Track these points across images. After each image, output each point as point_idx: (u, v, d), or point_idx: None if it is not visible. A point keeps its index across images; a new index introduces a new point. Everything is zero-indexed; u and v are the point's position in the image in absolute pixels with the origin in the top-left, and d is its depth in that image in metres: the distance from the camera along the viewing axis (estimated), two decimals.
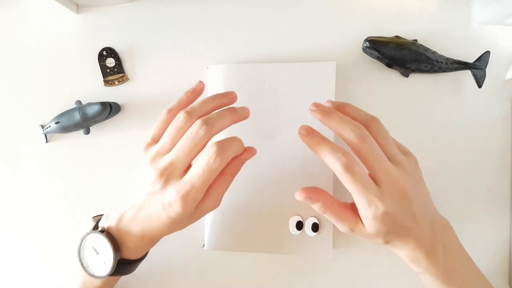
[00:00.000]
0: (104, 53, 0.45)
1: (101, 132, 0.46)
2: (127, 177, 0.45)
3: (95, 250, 0.35)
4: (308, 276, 0.45)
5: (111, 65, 0.45)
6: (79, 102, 0.45)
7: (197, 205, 0.32)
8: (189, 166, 0.32)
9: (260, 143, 0.43)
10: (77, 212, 0.46)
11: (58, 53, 0.46)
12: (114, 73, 0.45)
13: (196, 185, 0.30)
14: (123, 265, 0.35)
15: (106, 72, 0.45)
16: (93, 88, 0.46)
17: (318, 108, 0.33)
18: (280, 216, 0.43)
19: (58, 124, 0.44)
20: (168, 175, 0.31)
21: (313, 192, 0.32)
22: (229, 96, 0.35)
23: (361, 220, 0.31)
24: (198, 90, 0.36)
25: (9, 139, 0.47)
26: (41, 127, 0.46)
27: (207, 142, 0.32)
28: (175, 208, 0.31)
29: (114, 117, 0.45)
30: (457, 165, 0.45)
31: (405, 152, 0.35)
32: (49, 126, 0.44)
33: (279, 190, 0.43)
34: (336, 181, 0.44)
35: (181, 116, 0.32)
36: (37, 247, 0.46)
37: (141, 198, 0.34)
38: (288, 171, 0.43)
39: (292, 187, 0.43)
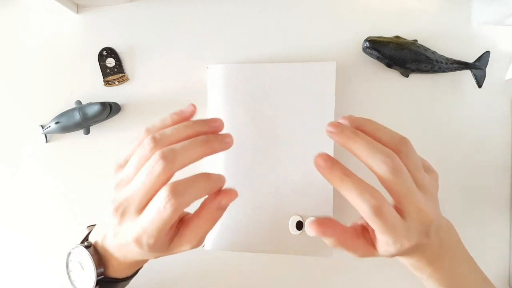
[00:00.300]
0: (104, 53, 0.45)
1: (101, 132, 0.46)
2: None
3: (80, 264, 0.33)
4: (308, 276, 0.45)
5: (111, 65, 0.45)
6: (79, 102, 0.45)
7: (170, 245, 0.29)
8: (149, 201, 0.28)
9: (260, 143, 0.43)
10: (77, 212, 0.46)
11: (58, 53, 0.46)
12: (114, 73, 0.45)
13: (148, 231, 0.27)
14: (109, 284, 0.33)
15: (106, 72, 0.45)
16: (93, 88, 0.46)
17: (337, 129, 0.28)
18: (280, 216, 0.43)
19: (58, 124, 0.44)
20: (123, 211, 0.29)
21: (326, 227, 0.29)
22: (211, 125, 0.29)
23: (372, 245, 0.30)
24: (186, 114, 0.31)
25: (9, 139, 0.47)
26: (41, 127, 0.46)
27: (167, 178, 0.27)
28: (133, 248, 0.28)
29: (114, 117, 0.45)
30: (457, 165, 0.45)
31: (428, 169, 0.33)
32: (49, 126, 0.44)
33: (279, 190, 0.43)
34: None
35: (146, 142, 0.28)
36: (37, 247, 0.46)
37: (110, 226, 0.31)
38: (288, 171, 0.43)
39: (292, 187, 0.43)
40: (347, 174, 0.27)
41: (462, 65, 0.42)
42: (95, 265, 0.31)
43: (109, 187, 0.45)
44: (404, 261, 0.33)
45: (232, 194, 0.29)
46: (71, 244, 0.46)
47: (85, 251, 0.32)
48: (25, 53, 0.46)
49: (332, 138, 0.29)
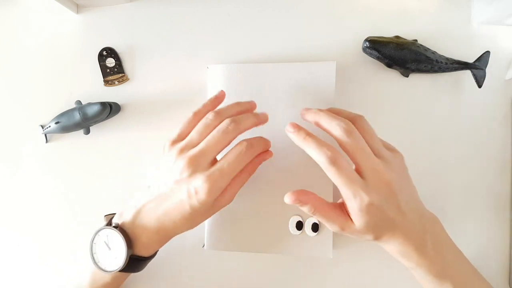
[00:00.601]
0: (104, 53, 0.45)
1: (101, 132, 0.46)
2: (127, 177, 0.45)
3: (107, 245, 0.36)
4: (308, 276, 0.45)
5: (111, 65, 0.45)
6: (79, 102, 0.45)
7: (216, 198, 0.34)
8: (215, 160, 0.35)
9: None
10: (77, 212, 0.46)
11: (58, 53, 0.46)
12: (114, 73, 0.45)
13: (225, 173, 0.33)
14: (134, 262, 0.36)
15: (106, 72, 0.45)
16: (93, 88, 0.46)
17: (308, 110, 0.36)
18: (280, 216, 0.43)
19: (58, 124, 0.44)
20: (197, 163, 0.34)
21: (301, 195, 0.34)
22: (251, 104, 0.39)
23: (350, 218, 0.33)
24: (220, 97, 0.39)
25: (9, 139, 0.47)
26: (41, 127, 0.46)
27: (234, 138, 0.35)
28: (201, 194, 0.33)
29: (114, 117, 0.45)
30: (457, 165, 0.45)
31: (391, 149, 0.36)
32: (49, 126, 0.44)
33: (279, 190, 0.43)
34: None
35: (210, 115, 0.36)
36: (37, 247, 0.46)
37: (164, 188, 0.35)
38: (288, 171, 0.43)
39: (292, 187, 0.43)
40: (310, 134, 0.33)
41: (462, 65, 0.42)
42: (126, 243, 0.35)
43: (109, 187, 0.46)
44: (391, 248, 0.34)
45: (270, 152, 0.39)
46: (71, 244, 0.46)
47: (114, 231, 0.35)
48: (25, 53, 0.46)
49: (304, 118, 0.36)
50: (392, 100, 0.44)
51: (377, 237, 0.33)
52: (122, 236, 0.35)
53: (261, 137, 0.37)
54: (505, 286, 0.44)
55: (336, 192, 0.43)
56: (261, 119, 0.38)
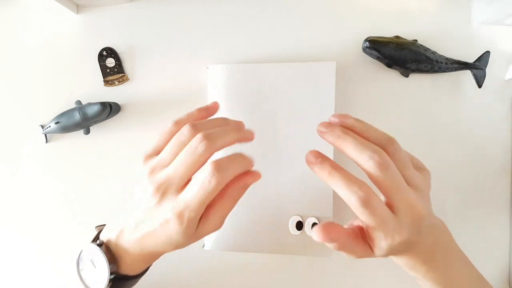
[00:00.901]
0: (104, 53, 0.45)
1: (101, 132, 0.46)
2: (127, 177, 0.45)
3: (92, 263, 0.33)
4: (308, 276, 0.45)
5: (111, 65, 0.45)
6: (79, 102, 0.45)
7: (197, 227, 0.31)
8: (189, 181, 0.30)
9: (260, 143, 0.43)
10: (77, 212, 0.46)
11: (58, 53, 0.46)
12: (114, 73, 0.45)
13: (191, 205, 0.29)
14: (121, 281, 0.34)
15: (106, 72, 0.45)
16: (93, 88, 0.46)
17: (328, 129, 0.30)
18: (280, 216, 0.43)
19: (58, 124, 0.44)
20: (164, 190, 0.30)
21: (331, 233, 0.29)
22: (238, 123, 0.34)
23: (369, 245, 0.30)
24: (211, 109, 0.35)
25: (9, 139, 0.47)
26: (41, 127, 0.46)
27: (208, 158, 0.30)
28: (172, 226, 0.29)
29: (114, 117, 0.45)
30: (457, 165, 0.45)
31: (419, 168, 0.33)
32: (49, 126, 0.44)
33: (279, 190, 0.43)
34: None
35: (185, 129, 0.31)
36: (37, 247, 0.46)
37: (138, 213, 0.32)
38: (288, 171, 0.43)
39: (292, 187, 0.43)
40: (336, 167, 0.28)
41: (462, 65, 0.42)
42: (108, 262, 0.32)
43: (109, 187, 0.46)
44: (398, 260, 0.33)
45: (256, 174, 0.32)
46: (71, 244, 0.46)
47: (98, 249, 0.33)
48: (25, 53, 0.46)
49: (323, 138, 0.30)
50: (392, 100, 0.44)
51: (390, 256, 0.31)
52: (105, 255, 0.32)
53: (236, 156, 0.31)
54: (505, 286, 0.44)
55: (336, 196, 0.43)
56: (245, 136, 0.33)
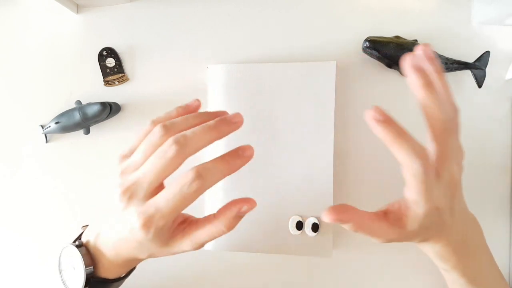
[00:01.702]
0: (104, 53, 0.45)
1: (101, 132, 0.46)
2: None
3: (71, 264, 0.32)
4: (308, 276, 0.45)
5: (111, 65, 0.45)
6: (79, 102, 0.45)
7: (171, 239, 0.29)
8: (159, 188, 0.28)
9: (260, 143, 0.43)
10: (77, 212, 0.46)
11: (58, 53, 0.46)
12: (114, 73, 0.45)
13: (162, 210, 0.27)
14: (98, 284, 0.32)
15: (106, 72, 0.45)
16: (93, 88, 0.46)
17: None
18: (280, 216, 0.43)
19: (58, 124, 0.44)
20: (131, 195, 0.28)
21: (341, 212, 0.28)
22: (218, 114, 0.30)
23: (396, 224, 0.29)
24: (191, 107, 0.32)
25: (9, 139, 0.47)
26: (41, 127, 0.46)
27: (180, 163, 0.27)
28: (137, 232, 0.28)
29: (114, 117, 0.45)
30: None
31: (459, 146, 0.33)
32: (49, 126, 0.44)
33: (279, 190, 0.43)
34: (335, 181, 0.44)
35: (156, 130, 0.28)
36: (37, 247, 0.46)
37: (111, 217, 0.31)
38: (288, 171, 0.43)
39: (292, 187, 0.43)
40: (402, 130, 0.27)
41: (462, 65, 0.42)
42: (85, 264, 0.31)
43: (109, 187, 0.46)
44: (430, 249, 0.32)
45: (252, 203, 0.29)
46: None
47: (76, 250, 0.32)
48: (25, 53, 0.46)
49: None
50: (392, 100, 0.44)
51: (423, 240, 0.31)
52: (81, 256, 0.31)
53: (218, 162, 0.27)
54: None
55: (336, 191, 0.43)
56: (224, 130, 0.28)
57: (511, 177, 0.45)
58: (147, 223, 0.27)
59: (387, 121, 0.27)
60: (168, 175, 0.27)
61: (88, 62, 0.46)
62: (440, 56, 0.42)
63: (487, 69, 0.43)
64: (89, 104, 0.43)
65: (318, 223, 0.42)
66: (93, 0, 0.45)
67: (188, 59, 0.45)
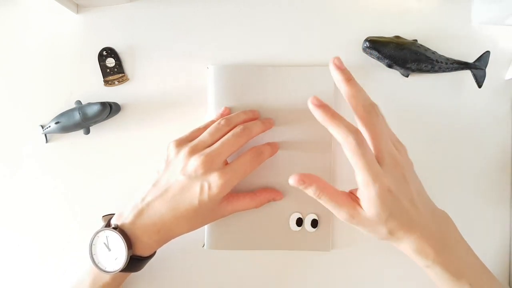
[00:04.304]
0: (104, 53, 0.45)
1: (101, 132, 0.46)
2: (127, 177, 0.45)
3: (107, 246, 0.37)
4: (308, 273, 0.45)
5: (111, 65, 0.45)
6: (79, 102, 0.45)
7: (219, 205, 0.38)
8: (226, 162, 0.38)
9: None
10: (77, 212, 0.46)
11: (58, 53, 0.46)
12: (114, 73, 0.45)
13: (238, 173, 0.37)
14: (134, 262, 0.37)
15: (106, 72, 0.45)
16: (93, 88, 0.46)
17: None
18: (281, 213, 0.43)
19: (58, 124, 0.44)
20: (212, 162, 0.36)
21: (306, 176, 0.33)
22: (254, 113, 0.42)
23: (361, 206, 0.32)
24: (226, 112, 0.43)
25: (9, 139, 0.47)
26: (41, 127, 0.46)
27: (245, 142, 0.38)
28: (214, 189, 0.35)
29: (114, 117, 0.45)
30: (457, 165, 0.45)
31: (398, 142, 0.37)
32: (49, 126, 0.44)
33: (280, 189, 0.43)
34: (334, 181, 0.44)
35: (222, 121, 0.39)
36: (37, 247, 0.46)
37: (171, 186, 0.37)
38: (288, 171, 0.43)
39: (291, 187, 0.43)
40: (337, 114, 0.32)
41: (462, 65, 0.42)
42: (126, 244, 0.35)
43: (109, 187, 0.46)
44: (406, 246, 0.33)
45: (281, 196, 0.43)
46: (71, 244, 0.46)
47: (114, 233, 0.36)
48: (25, 53, 0.46)
49: (335, 73, 0.34)
50: (392, 100, 0.44)
51: (391, 231, 0.32)
52: (122, 237, 0.35)
53: (268, 144, 0.41)
54: (505, 286, 0.44)
55: None
56: (268, 126, 0.41)
57: (511, 177, 0.45)
58: (227, 181, 0.36)
59: (324, 106, 0.32)
60: (235, 151, 0.38)
61: (88, 62, 0.46)
62: (440, 56, 0.42)
63: (487, 69, 0.43)
64: (89, 104, 0.43)
65: (317, 219, 0.43)
66: (93, 0, 0.45)
67: (188, 59, 0.45)
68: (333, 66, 0.34)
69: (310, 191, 0.33)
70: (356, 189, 0.33)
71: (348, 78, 0.33)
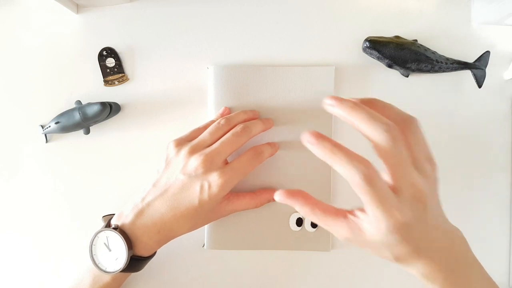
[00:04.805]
0: (104, 53, 0.45)
1: (101, 132, 0.46)
2: (127, 177, 0.45)
3: (107, 246, 0.37)
4: (308, 273, 0.45)
5: (111, 65, 0.45)
6: (79, 102, 0.45)
7: (219, 205, 0.38)
8: (226, 161, 0.38)
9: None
10: (77, 212, 0.46)
11: (58, 53, 0.46)
12: (114, 73, 0.45)
13: (238, 172, 0.37)
14: (135, 262, 0.37)
15: (106, 72, 0.45)
16: (93, 88, 0.46)
17: (338, 101, 0.28)
18: (281, 213, 0.43)
19: (58, 124, 0.44)
20: (212, 161, 0.36)
21: (295, 195, 0.31)
22: (255, 112, 0.42)
23: (363, 229, 0.29)
24: (226, 112, 0.43)
25: (9, 139, 0.47)
26: (41, 127, 0.46)
27: (245, 142, 0.38)
28: (214, 188, 0.35)
29: (114, 117, 0.45)
30: (457, 165, 0.45)
31: (430, 159, 0.32)
32: (49, 126, 0.44)
33: (279, 190, 0.43)
34: (334, 181, 0.44)
35: (222, 120, 0.39)
36: (37, 247, 0.46)
37: (171, 185, 0.37)
38: (288, 172, 0.43)
39: (292, 186, 0.43)
40: (337, 146, 0.27)
41: (462, 65, 0.42)
42: (126, 245, 0.35)
43: (109, 187, 0.46)
44: (413, 269, 0.31)
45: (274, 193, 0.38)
46: (71, 244, 0.46)
47: (114, 233, 0.36)
48: (25, 53, 0.46)
49: (333, 112, 0.29)
50: (392, 100, 0.44)
51: (398, 258, 0.29)
52: (123, 237, 0.35)
53: (268, 144, 0.41)
54: (505, 286, 0.44)
55: (335, 191, 0.43)
56: (268, 125, 0.41)
57: (511, 176, 0.45)
58: (227, 180, 0.36)
59: (320, 141, 0.27)
60: (235, 150, 0.37)
61: (88, 62, 0.46)
62: (440, 56, 0.42)
63: (487, 69, 0.43)
64: (89, 104, 0.43)
65: None
66: (93, 0, 0.45)
67: (188, 59, 0.45)
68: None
69: (300, 210, 0.31)
70: (360, 209, 0.29)
71: (352, 105, 0.28)
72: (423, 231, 0.28)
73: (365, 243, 0.29)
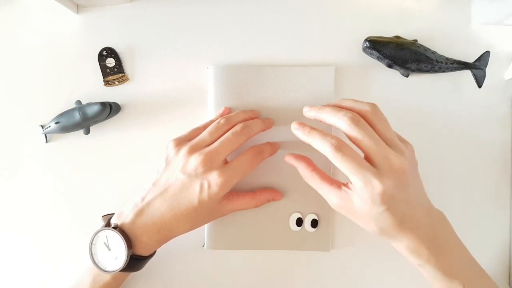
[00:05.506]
0: (104, 53, 0.45)
1: (101, 132, 0.46)
2: (127, 177, 0.45)
3: (107, 246, 0.37)
4: (308, 273, 0.45)
5: (111, 65, 0.45)
6: (79, 102, 0.45)
7: (219, 204, 0.38)
8: (225, 160, 0.38)
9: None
10: (77, 212, 0.46)
11: (58, 53, 0.46)
12: (114, 73, 0.45)
13: (238, 171, 0.37)
14: (135, 261, 0.37)
15: (106, 72, 0.45)
16: (93, 88, 0.46)
17: (309, 107, 0.36)
18: (281, 213, 0.43)
19: (58, 124, 0.44)
20: (212, 161, 0.36)
21: (301, 158, 0.37)
22: (254, 112, 0.42)
23: (353, 199, 0.32)
24: (226, 112, 0.43)
25: (9, 139, 0.47)
26: (41, 127, 0.46)
27: (245, 141, 0.38)
28: (214, 187, 0.35)
29: (114, 117, 0.45)
30: (457, 165, 0.45)
31: (403, 140, 0.36)
32: (49, 126, 0.44)
33: (280, 189, 0.43)
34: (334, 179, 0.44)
35: (222, 120, 0.39)
36: (37, 247, 0.46)
37: (171, 185, 0.37)
38: (288, 172, 0.43)
39: (292, 186, 0.43)
40: (314, 128, 0.34)
41: (462, 65, 0.42)
42: (126, 244, 0.35)
43: (109, 187, 0.46)
44: (399, 244, 0.33)
45: (280, 196, 0.43)
46: (71, 244, 0.46)
47: (114, 232, 0.36)
48: (25, 53, 0.46)
49: (308, 116, 0.36)
50: (392, 100, 0.44)
51: (382, 230, 0.32)
52: (122, 236, 0.35)
53: (268, 143, 0.42)
54: (505, 286, 0.44)
55: None
56: (268, 125, 0.41)
57: (511, 177, 0.45)
58: (227, 179, 0.36)
59: (300, 127, 0.35)
60: (235, 149, 0.37)
61: (88, 62, 0.46)
62: (440, 56, 0.42)
63: (487, 69, 0.43)
64: (89, 104, 0.43)
65: (317, 219, 0.43)
66: (93, 0, 0.45)
67: (188, 59, 0.45)
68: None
69: (299, 170, 0.37)
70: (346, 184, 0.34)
71: (317, 110, 0.35)
72: (406, 206, 0.31)
73: (353, 213, 0.33)
